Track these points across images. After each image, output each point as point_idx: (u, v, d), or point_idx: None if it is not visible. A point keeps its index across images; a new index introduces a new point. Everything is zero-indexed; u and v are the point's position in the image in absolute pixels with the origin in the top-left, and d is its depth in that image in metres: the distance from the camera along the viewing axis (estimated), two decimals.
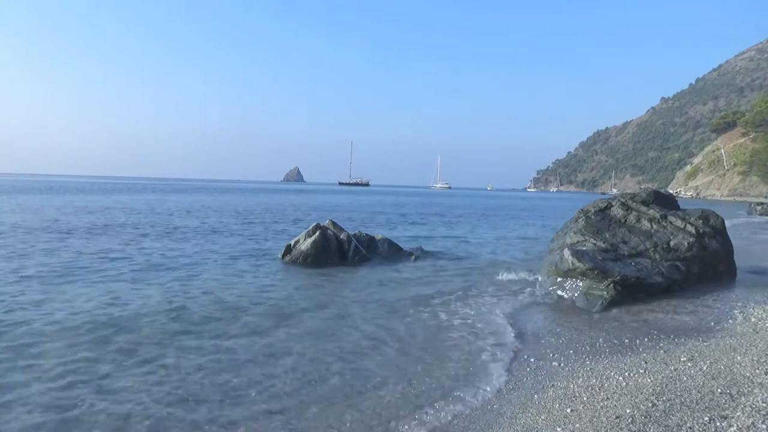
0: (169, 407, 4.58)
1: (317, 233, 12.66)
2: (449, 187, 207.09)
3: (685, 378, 5.20)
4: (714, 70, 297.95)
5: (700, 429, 4.01)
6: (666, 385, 5.01)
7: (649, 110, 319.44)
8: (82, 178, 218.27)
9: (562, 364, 5.90)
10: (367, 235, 14.15)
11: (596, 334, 7.12)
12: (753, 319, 7.83)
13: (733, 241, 11.20)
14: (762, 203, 50.23)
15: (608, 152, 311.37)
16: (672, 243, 10.28)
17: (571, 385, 5.20)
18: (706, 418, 4.18)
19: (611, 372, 5.54)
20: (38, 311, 7.47)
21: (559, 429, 4.19)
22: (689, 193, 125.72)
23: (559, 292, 9.52)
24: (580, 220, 11.51)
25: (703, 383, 5.02)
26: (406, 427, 4.40)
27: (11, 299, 8.07)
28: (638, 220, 11.11)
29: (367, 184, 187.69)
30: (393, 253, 13.84)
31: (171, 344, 6.27)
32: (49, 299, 8.21)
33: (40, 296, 8.37)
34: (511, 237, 21.56)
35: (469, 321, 7.73)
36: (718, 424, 4.07)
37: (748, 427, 3.95)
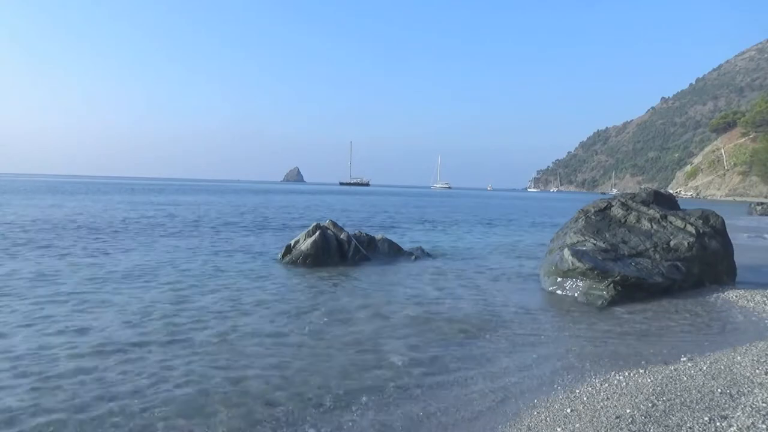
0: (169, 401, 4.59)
1: (317, 233, 12.66)
2: (449, 187, 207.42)
3: (685, 378, 5.21)
4: (714, 70, 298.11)
5: (700, 429, 4.02)
6: (666, 385, 5.02)
7: (649, 110, 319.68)
8: (84, 179, 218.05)
9: (562, 364, 5.90)
10: (367, 235, 14.15)
11: (596, 334, 7.12)
12: (753, 319, 7.84)
13: (733, 241, 11.19)
14: (762, 203, 50.27)
15: (608, 152, 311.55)
16: (672, 243, 10.28)
17: (571, 386, 5.21)
18: (706, 418, 4.18)
19: (611, 372, 5.55)
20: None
21: (559, 429, 4.19)
22: (689, 193, 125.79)
23: (559, 292, 9.53)
24: (580, 220, 11.51)
25: (703, 383, 5.03)
26: (409, 428, 4.40)
27: None
28: (638, 220, 11.11)
29: (367, 184, 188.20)
30: (393, 253, 13.85)
31: (172, 343, 6.27)
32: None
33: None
34: (516, 240, 21.55)
35: (466, 320, 7.72)
36: (718, 424, 4.08)
37: (748, 427, 3.96)
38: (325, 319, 7.62)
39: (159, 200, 43.32)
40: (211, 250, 14.41)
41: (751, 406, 4.36)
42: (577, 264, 9.37)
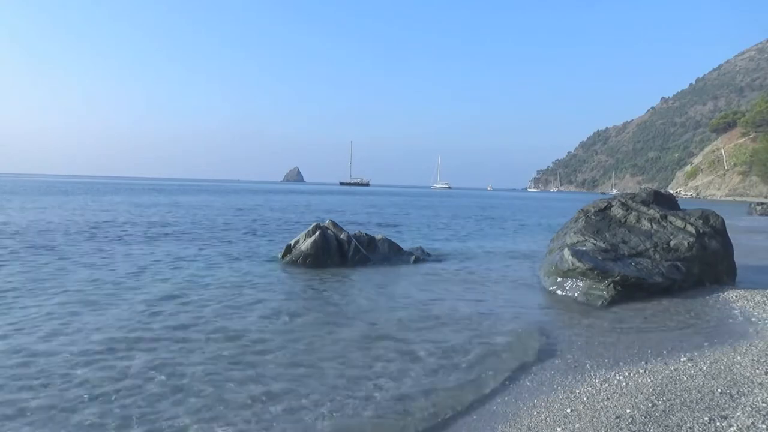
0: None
1: (317, 233, 12.66)
2: (449, 187, 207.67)
3: (685, 378, 5.21)
4: (714, 70, 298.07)
5: (700, 429, 4.02)
6: (666, 385, 5.02)
7: (649, 110, 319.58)
8: (84, 179, 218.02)
9: (562, 364, 5.90)
10: (367, 235, 14.13)
11: (596, 335, 7.12)
12: (753, 319, 7.84)
13: (733, 242, 11.19)
14: (762, 203, 50.27)
15: (608, 152, 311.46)
16: (672, 243, 10.28)
17: (571, 386, 5.21)
18: (706, 418, 4.18)
19: (611, 372, 5.55)
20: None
21: (559, 429, 4.20)
22: (689, 193, 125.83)
23: (559, 292, 9.53)
24: (580, 220, 11.51)
25: (703, 383, 5.03)
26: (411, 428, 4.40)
27: None
28: (638, 220, 11.11)
29: (367, 184, 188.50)
30: (393, 253, 13.82)
31: (174, 343, 6.27)
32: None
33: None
34: (516, 240, 21.53)
35: (467, 320, 7.73)
36: (718, 424, 4.08)
37: (748, 427, 3.96)
38: (325, 321, 7.62)
39: (159, 200, 43.30)
40: (211, 250, 14.41)
41: (751, 406, 4.36)
42: (577, 264, 9.37)
